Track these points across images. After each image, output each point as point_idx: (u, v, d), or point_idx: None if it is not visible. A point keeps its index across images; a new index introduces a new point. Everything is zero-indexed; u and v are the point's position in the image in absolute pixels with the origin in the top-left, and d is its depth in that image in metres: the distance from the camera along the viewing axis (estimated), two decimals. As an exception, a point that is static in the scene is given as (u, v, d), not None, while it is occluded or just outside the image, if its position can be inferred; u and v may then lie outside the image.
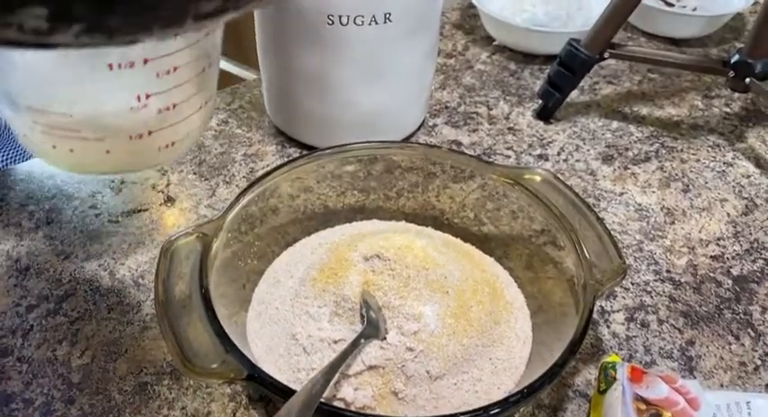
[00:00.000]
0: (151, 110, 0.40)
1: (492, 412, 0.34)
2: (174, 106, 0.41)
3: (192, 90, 0.42)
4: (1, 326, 0.45)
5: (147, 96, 0.39)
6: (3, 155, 0.64)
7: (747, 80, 0.61)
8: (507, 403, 0.34)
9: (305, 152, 0.61)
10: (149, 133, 0.41)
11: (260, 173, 0.57)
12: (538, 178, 0.48)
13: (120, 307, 0.47)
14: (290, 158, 0.50)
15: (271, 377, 0.35)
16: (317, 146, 0.61)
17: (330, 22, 0.52)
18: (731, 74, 0.61)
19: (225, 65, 1.37)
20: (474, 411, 0.34)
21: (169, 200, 0.56)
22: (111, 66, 0.36)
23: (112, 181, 0.57)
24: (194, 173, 0.59)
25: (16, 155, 0.65)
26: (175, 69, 0.39)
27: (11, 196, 0.55)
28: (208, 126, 0.57)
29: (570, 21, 0.77)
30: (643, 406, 0.36)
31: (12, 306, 0.47)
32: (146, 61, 0.37)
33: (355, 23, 0.53)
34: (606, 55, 0.63)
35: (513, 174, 0.49)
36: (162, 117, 0.41)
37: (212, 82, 0.45)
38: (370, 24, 0.53)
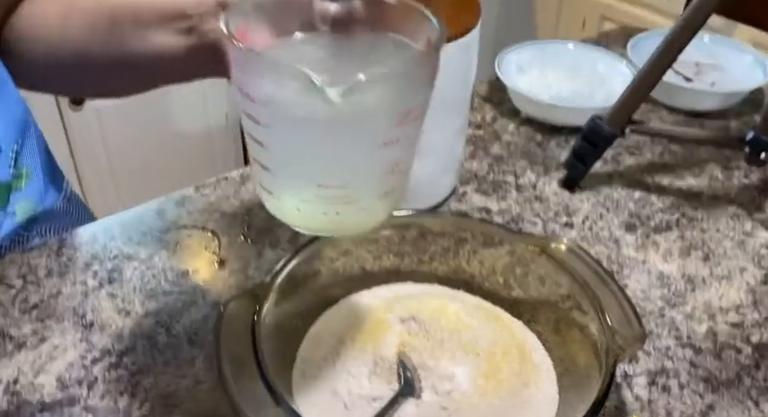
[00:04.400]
0: (401, 170, 0.42)
1: (520, 469, 0.36)
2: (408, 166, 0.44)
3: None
4: (69, 377, 0.50)
5: (398, 163, 0.42)
6: None
7: (763, 155, 0.64)
8: (534, 461, 0.37)
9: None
10: (392, 191, 0.43)
11: (304, 238, 0.62)
12: (563, 247, 0.52)
13: (176, 362, 0.51)
14: (333, 225, 0.54)
15: (318, 431, 0.38)
16: (356, 212, 0.65)
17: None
18: (747, 149, 0.65)
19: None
20: (504, 466, 0.36)
21: (221, 262, 0.60)
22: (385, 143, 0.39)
23: (168, 244, 0.62)
24: (243, 237, 0.63)
25: None
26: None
27: (77, 256, 0.60)
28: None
29: (593, 96, 0.81)
30: (663, 467, 0.38)
31: (78, 358, 0.51)
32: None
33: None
34: (627, 130, 0.67)
35: (540, 243, 0.52)
36: (403, 177, 0.43)
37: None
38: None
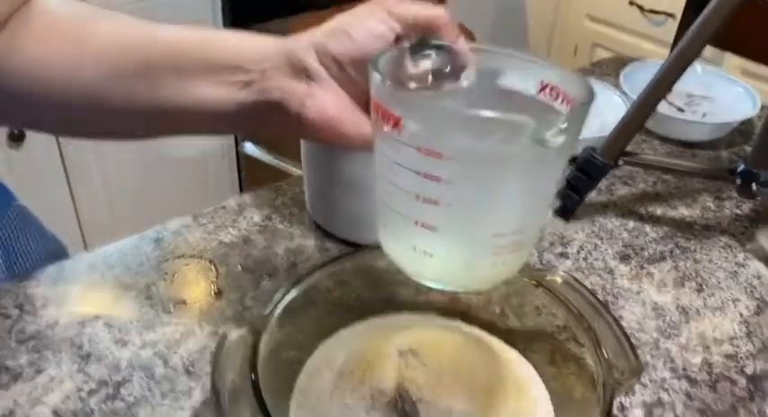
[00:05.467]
0: None
1: None
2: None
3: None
4: (65, 410, 0.49)
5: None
6: None
7: (754, 187, 0.65)
8: None
9: (342, 248, 0.66)
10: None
11: (301, 268, 0.62)
12: (559, 280, 0.52)
13: (173, 394, 0.51)
14: (331, 258, 0.54)
15: (317, 466, 0.38)
16: (355, 241, 0.66)
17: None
18: (738, 181, 0.66)
19: (265, 157, 1.46)
20: None
21: (218, 292, 0.61)
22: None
23: (166, 274, 0.62)
24: (240, 266, 0.64)
25: None
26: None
27: (74, 285, 0.60)
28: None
29: (587, 127, 0.82)
30: None
31: (75, 390, 0.51)
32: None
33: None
34: (620, 162, 0.68)
35: (535, 276, 0.53)
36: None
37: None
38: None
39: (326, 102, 0.45)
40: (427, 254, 0.39)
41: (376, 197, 0.42)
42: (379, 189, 0.41)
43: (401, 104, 0.35)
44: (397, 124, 0.35)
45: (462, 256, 0.39)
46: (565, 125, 0.33)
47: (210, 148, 1.56)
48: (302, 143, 0.66)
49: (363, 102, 0.44)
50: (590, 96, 0.36)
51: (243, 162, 1.57)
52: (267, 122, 0.47)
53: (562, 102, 0.39)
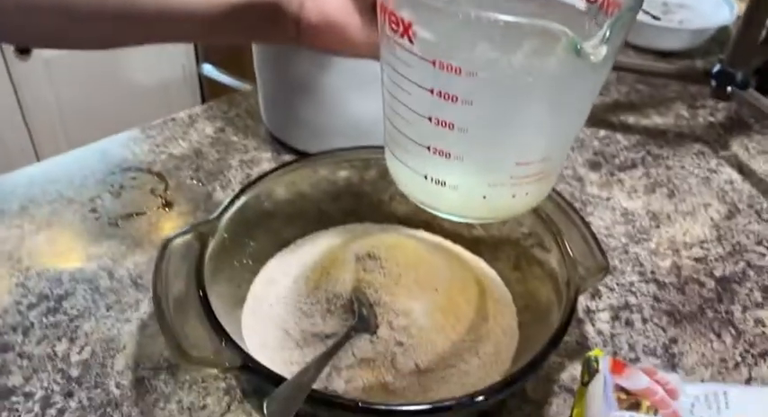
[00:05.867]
0: None
1: (477, 400, 0.35)
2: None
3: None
4: (2, 324, 0.46)
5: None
6: None
7: (729, 89, 0.63)
8: (491, 392, 0.35)
9: (299, 158, 0.63)
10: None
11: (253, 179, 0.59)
12: (525, 181, 0.50)
13: (119, 306, 0.48)
14: (285, 163, 0.51)
15: (264, 366, 0.36)
16: (312, 152, 0.62)
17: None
18: (714, 83, 0.63)
19: (224, 78, 1.40)
20: (460, 398, 0.35)
21: (167, 205, 0.57)
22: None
23: (111, 186, 0.58)
24: (192, 179, 0.60)
25: None
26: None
27: (12, 200, 0.57)
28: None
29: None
30: (624, 396, 0.37)
31: (13, 304, 0.48)
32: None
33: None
34: (592, 65, 0.65)
35: (500, 177, 0.50)
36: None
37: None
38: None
39: (328, 1, 0.40)
40: (441, 184, 0.34)
41: (383, 117, 0.36)
42: (386, 107, 0.35)
43: (412, 5, 0.29)
44: (406, 31, 0.29)
45: (481, 186, 0.34)
46: (608, 33, 0.27)
47: (170, 74, 1.50)
48: (254, 46, 0.61)
49: (371, 3, 0.39)
50: (637, 0, 0.30)
51: (206, 87, 1.51)
52: (264, 28, 0.42)
53: (603, 6, 0.32)
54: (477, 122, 0.31)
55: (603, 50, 0.27)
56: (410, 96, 0.32)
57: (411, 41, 0.30)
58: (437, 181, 0.34)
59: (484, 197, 0.34)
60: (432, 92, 0.30)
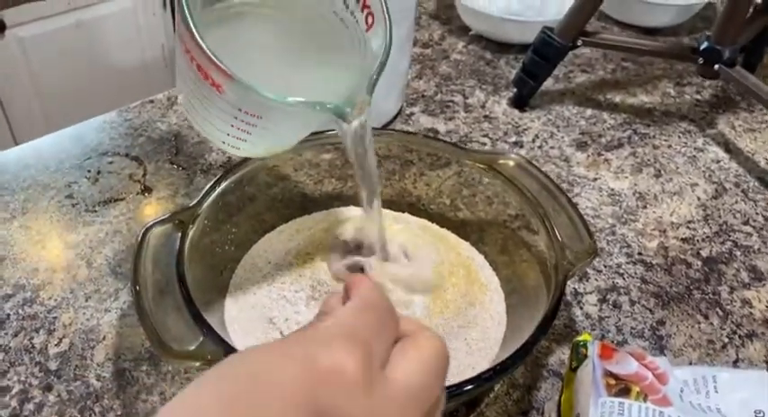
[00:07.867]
0: None
1: (466, 388, 0.34)
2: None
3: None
4: (-23, 316, 0.45)
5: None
6: None
7: (716, 66, 0.62)
8: (480, 380, 0.35)
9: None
10: None
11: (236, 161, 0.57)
12: (511, 163, 0.49)
13: (98, 296, 0.47)
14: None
15: (247, 359, 0.35)
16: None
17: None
18: (701, 60, 0.62)
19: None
20: (448, 387, 0.34)
21: (146, 190, 0.56)
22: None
23: (88, 171, 0.57)
24: (171, 163, 0.59)
25: None
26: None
27: (-15, 187, 0.55)
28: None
29: (544, 9, 0.77)
30: (613, 381, 0.37)
31: (-12, 295, 0.46)
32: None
33: (330, 12, 0.53)
34: (579, 43, 0.64)
35: (487, 159, 0.49)
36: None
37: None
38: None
39: None
40: (236, 147, 0.41)
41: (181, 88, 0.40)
42: (186, 89, 0.39)
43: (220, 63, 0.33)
44: (217, 87, 0.35)
45: (267, 149, 0.43)
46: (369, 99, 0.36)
47: (150, 54, 1.46)
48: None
49: None
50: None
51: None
52: None
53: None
54: (268, 132, 0.39)
55: (362, 118, 0.37)
56: (215, 114, 0.38)
57: (220, 93, 0.35)
58: (233, 146, 0.40)
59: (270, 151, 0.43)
60: (235, 118, 0.37)
